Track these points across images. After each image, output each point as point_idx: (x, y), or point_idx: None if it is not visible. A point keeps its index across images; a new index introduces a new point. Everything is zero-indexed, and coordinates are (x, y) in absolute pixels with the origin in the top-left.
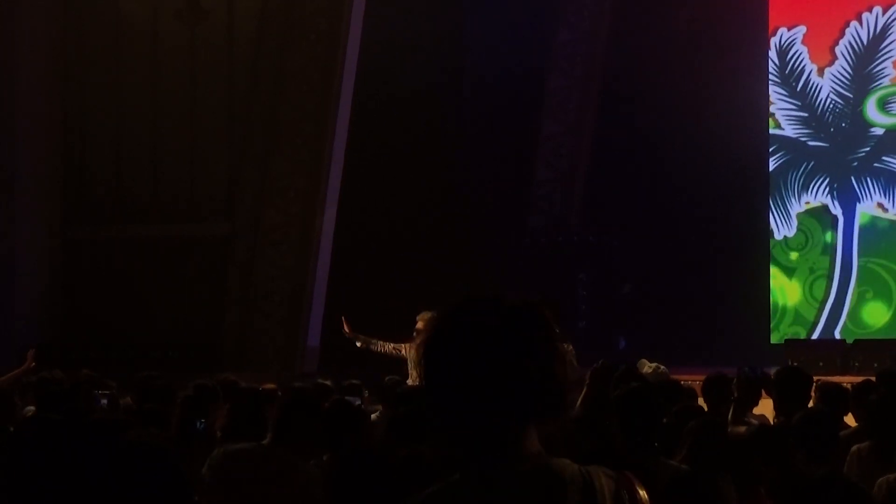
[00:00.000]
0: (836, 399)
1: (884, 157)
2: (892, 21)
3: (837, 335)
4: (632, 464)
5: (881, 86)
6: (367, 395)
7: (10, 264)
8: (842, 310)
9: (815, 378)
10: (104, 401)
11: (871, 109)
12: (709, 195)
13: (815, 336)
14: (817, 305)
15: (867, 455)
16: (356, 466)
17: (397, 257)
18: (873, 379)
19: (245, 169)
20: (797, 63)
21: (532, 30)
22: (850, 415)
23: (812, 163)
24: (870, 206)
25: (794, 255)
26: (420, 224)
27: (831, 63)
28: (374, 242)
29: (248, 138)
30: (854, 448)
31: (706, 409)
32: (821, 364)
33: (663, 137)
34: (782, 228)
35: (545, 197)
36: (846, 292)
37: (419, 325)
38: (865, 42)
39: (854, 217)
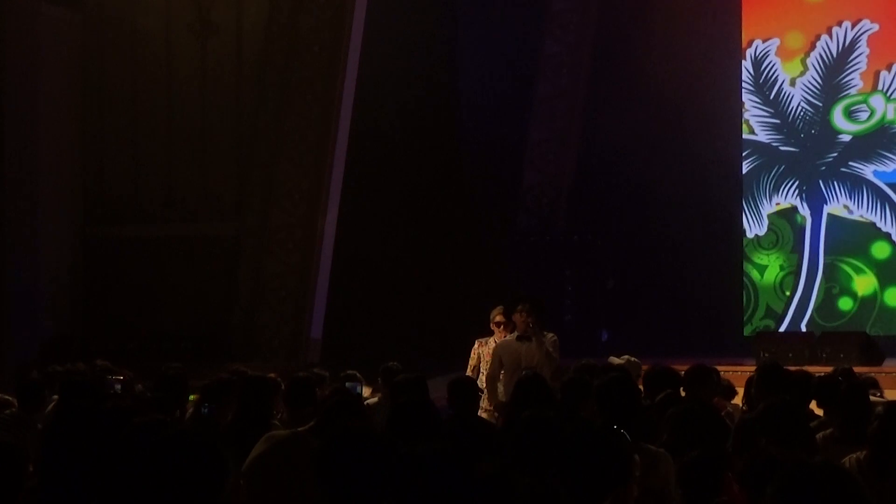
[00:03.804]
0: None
1: (850, 163)
2: (860, 35)
3: (804, 328)
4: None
5: (848, 95)
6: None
7: (33, 261)
8: (808, 304)
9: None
10: (118, 386)
11: (837, 117)
12: (686, 197)
13: (783, 329)
14: (787, 300)
15: (832, 441)
16: (350, 448)
17: (394, 255)
18: (834, 371)
19: (253, 173)
20: (771, 73)
21: (521, 42)
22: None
23: (783, 166)
24: (837, 207)
25: (765, 253)
26: (415, 224)
27: (802, 74)
28: (372, 241)
29: (256, 144)
30: (819, 435)
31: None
32: (790, 355)
33: (644, 143)
34: (754, 227)
35: (533, 199)
36: (812, 288)
37: (497, 318)
38: (835, 55)
39: (821, 217)
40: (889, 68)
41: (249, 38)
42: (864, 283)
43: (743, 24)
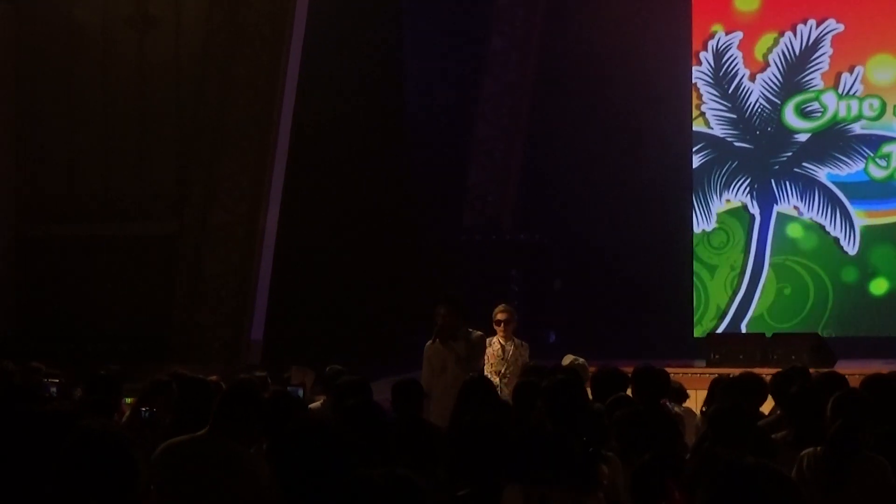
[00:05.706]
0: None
1: (804, 163)
2: (825, 34)
3: (744, 328)
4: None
5: (801, 91)
6: (309, 385)
7: None
8: (751, 304)
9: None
10: (53, 389)
11: (789, 114)
12: (635, 197)
13: (732, 329)
14: (736, 300)
15: (786, 442)
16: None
17: (337, 254)
18: (790, 370)
19: (193, 170)
20: (731, 66)
21: (467, 38)
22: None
23: (735, 162)
24: (787, 207)
25: (715, 254)
26: (359, 223)
27: (763, 69)
28: (314, 240)
29: (196, 141)
30: (773, 436)
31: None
32: (741, 357)
33: (591, 141)
34: (702, 223)
35: (479, 198)
36: (756, 288)
37: (499, 316)
38: (797, 52)
39: (771, 217)
40: (851, 70)
41: (189, 33)
42: (817, 284)
43: (705, 15)
